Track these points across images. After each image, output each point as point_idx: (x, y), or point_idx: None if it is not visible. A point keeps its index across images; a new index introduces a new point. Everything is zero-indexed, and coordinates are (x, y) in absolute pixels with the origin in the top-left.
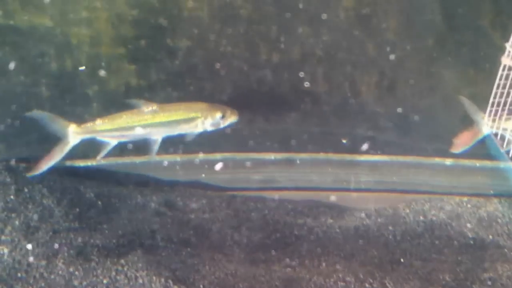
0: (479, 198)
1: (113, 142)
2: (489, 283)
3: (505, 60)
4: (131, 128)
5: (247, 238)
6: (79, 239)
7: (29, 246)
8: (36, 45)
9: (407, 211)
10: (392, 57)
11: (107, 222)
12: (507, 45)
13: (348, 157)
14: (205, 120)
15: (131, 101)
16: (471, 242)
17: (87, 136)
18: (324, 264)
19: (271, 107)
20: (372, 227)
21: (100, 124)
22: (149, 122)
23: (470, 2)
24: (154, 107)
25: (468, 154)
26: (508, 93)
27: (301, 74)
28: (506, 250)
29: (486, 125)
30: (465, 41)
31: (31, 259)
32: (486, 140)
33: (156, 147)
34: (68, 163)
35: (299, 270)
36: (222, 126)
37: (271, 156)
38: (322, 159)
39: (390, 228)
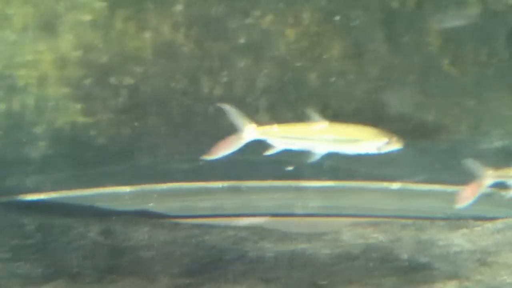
0: (425, 221)
1: (281, 147)
2: None
3: None
4: (301, 139)
5: (177, 264)
6: (4, 269)
7: None
8: None
9: (349, 234)
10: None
11: (39, 252)
12: None
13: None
14: (371, 143)
15: (308, 112)
16: (405, 264)
17: (262, 137)
18: (244, 287)
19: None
20: (308, 250)
21: (274, 130)
22: (319, 137)
23: (416, 30)
24: (325, 124)
25: (415, 178)
26: None
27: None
28: (437, 272)
29: (491, 177)
30: (413, 68)
31: None
32: None
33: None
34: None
35: None
36: (384, 151)
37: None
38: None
39: (327, 251)
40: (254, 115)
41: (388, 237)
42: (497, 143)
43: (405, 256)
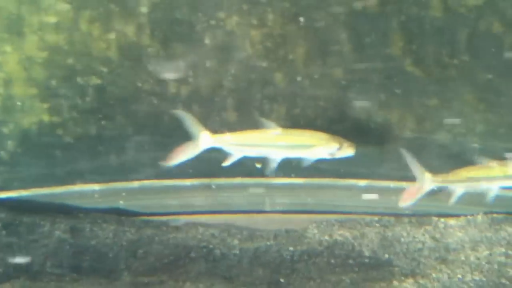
0: (390, 218)
1: (238, 155)
2: None
3: None
4: (255, 146)
5: (140, 262)
6: None
7: None
8: None
9: (315, 231)
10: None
11: (2, 251)
12: None
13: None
14: (322, 149)
15: (260, 120)
16: (366, 260)
17: (217, 145)
18: (201, 285)
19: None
20: (273, 248)
21: (229, 138)
22: (272, 143)
23: (378, 31)
24: (278, 130)
25: (382, 175)
26: None
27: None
28: (396, 268)
29: (429, 180)
30: (376, 68)
31: None
32: None
33: (274, 166)
34: None
35: None
36: (337, 156)
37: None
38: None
39: (291, 248)
40: (221, 114)
41: (353, 234)
42: (460, 141)
43: (367, 253)
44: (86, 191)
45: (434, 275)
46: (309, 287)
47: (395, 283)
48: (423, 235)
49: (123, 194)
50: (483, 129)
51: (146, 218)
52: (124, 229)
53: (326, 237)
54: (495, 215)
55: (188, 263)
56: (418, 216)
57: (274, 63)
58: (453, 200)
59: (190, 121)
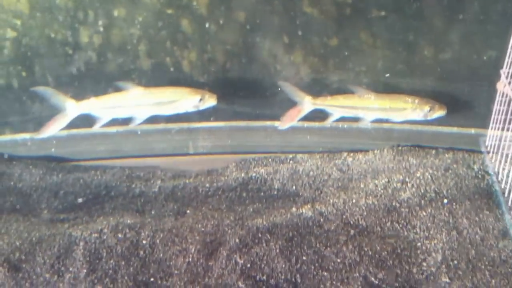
0: (304, 155)
1: (106, 118)
2: (253, 228)
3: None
4: (121, 107)
5: (60, 201)
6: None
7: None
8: None
9: (234, 169)
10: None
11: None
12: (501, 71)
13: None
14: (185, 102)
15: (121, 84)
16: (275, 193)
17: (83, 111)
18: (111, 218)
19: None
20: (191, 185)
21: (94, 102)
22: (136, 103)
23: None
24: (141, 89)
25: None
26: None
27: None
28: (300, 198)
29: (308, 103)
30: (276, 11)
31: None
32: None
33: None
34: None
35: (80, 227)
36: (201, 108)
37: None
38: None
39: (207, 185)
40: (135, 62)
41: (267, 170)
42: (362, 79)
43: (277, 186)
44: (18, 140)
45: (331, 200)
46: (211, 216)
47: (293, 209)
48: (331, 168)
49: (54, 142)
50: (382, 66)
51: (76, 163)
52: (52, 173)
53: (242, 174)
54: (400, 148)
55: (106, 201)
56: (330, 153)
57: (179, 10)
58: (329, 121)
59: (53, 94)
